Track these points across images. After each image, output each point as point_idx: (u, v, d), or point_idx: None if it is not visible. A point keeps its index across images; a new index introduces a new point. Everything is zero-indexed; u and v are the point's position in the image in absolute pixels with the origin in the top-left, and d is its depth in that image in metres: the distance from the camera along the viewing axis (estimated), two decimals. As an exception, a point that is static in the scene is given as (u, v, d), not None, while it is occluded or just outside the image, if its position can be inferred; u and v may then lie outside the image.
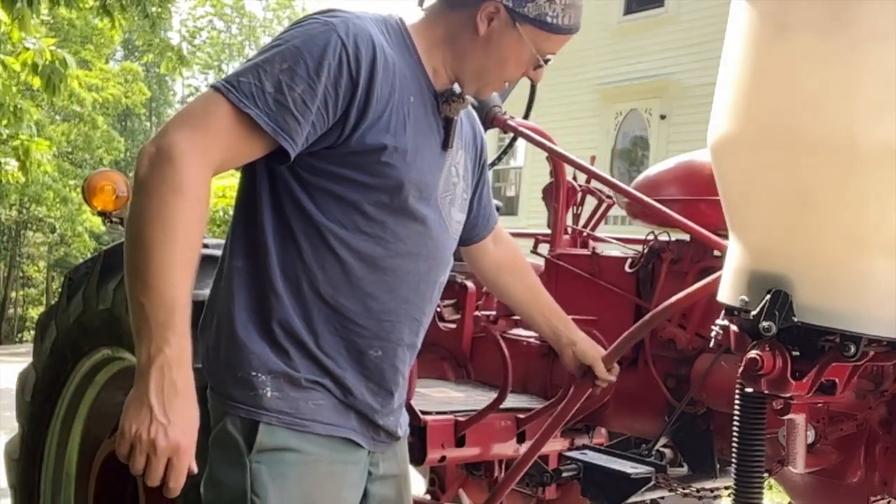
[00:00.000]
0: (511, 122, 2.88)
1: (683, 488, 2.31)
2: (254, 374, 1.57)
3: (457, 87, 1.71)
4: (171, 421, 1.36)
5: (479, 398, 2.63)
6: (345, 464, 1.64)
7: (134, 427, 1.36)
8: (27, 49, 7.31)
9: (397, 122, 1.58)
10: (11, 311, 26.89)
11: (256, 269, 1.60)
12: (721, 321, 1.80)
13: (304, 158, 1.56)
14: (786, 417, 1.77)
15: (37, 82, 7.51)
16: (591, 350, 2.13)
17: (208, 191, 1.47)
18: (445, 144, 1.71)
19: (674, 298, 2.16)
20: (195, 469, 1.40)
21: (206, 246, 2.22)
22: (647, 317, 2.20)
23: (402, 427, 1.81)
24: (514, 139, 3.09)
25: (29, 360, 2.96)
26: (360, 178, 1.57)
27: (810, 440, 1.95)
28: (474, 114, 1.94)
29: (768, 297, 1.59)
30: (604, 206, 3.11)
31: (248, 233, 1.61)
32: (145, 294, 1.38)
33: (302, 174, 1.57)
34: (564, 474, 2.38)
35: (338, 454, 1.63)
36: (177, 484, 1.39)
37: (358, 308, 1.61)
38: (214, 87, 1.49)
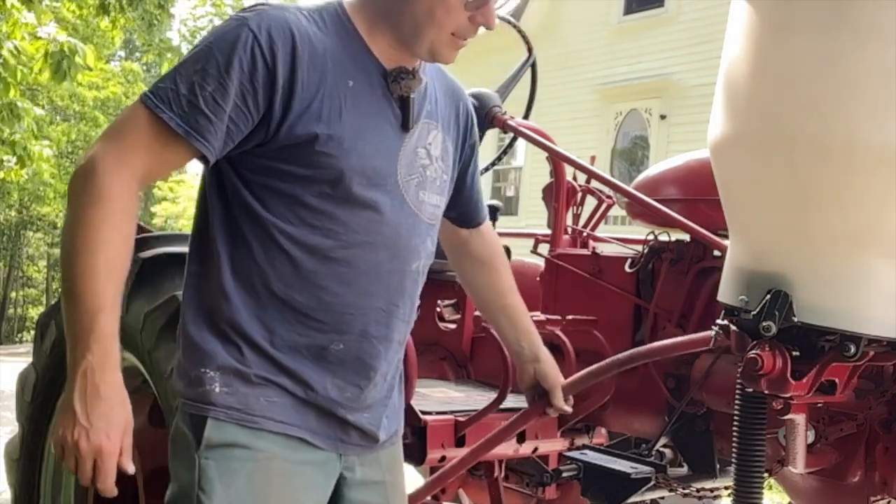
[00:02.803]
0: (511, 122, 2.89)
1: (683, 488, 2.31)
2: (203, 370, 1.56)
3: (409, 65, 1.63)
4: (93, 425, 1.39)
5: (479, 398, 2.63)
6: (302, 464, 1.60)
7: (60, 431, 1.41)
8: (39, 38, 7.36)
9: (331, 109, 1.53)
10: (11, 311, 26.90)
11: (208, 273, 1.59)
12: (721, 321, 1.80)
13: (244, 157, 1.55)
14: (786, 417, 1.77)
15: (44, 77, 7.56)
16: (552, 373, 2.03)
17: (133, 200, 1.47)
18: (405, 125, 1.64)
19: (657, 345, 2.15)
20: (130, 469, 1.43)
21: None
22: (618, 357, 2.16)
23: (386, 430, 1.73)
24: (514, 139, 3.10)
25: (29, 360, 2.96)
26: (297, 171, 1.54)
27: (810, 440, 1.95)
28: (460, 92, 1.84)
29: (768, 297, 1.59)
30: (604, 206, 3.11)
31: (201, 238, 1.61)
32: (70, 301, 1.43)
33: (244, 173, 1.56)
34: (564, 474, 2.38)
35: (293, 453, 1.59)
36: (104, 485, 1.41)
37: (313, 303, 1.58)
38: (139, 97, 1.52)
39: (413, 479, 3.74)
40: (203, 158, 1.51)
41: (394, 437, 1.78)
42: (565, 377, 2.47)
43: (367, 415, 1.67)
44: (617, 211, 3.17)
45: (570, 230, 2.99)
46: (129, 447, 1.43)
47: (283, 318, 1.57)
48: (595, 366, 2.13)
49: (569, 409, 2.06)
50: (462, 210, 1.94)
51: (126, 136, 1.48)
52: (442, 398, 2.64)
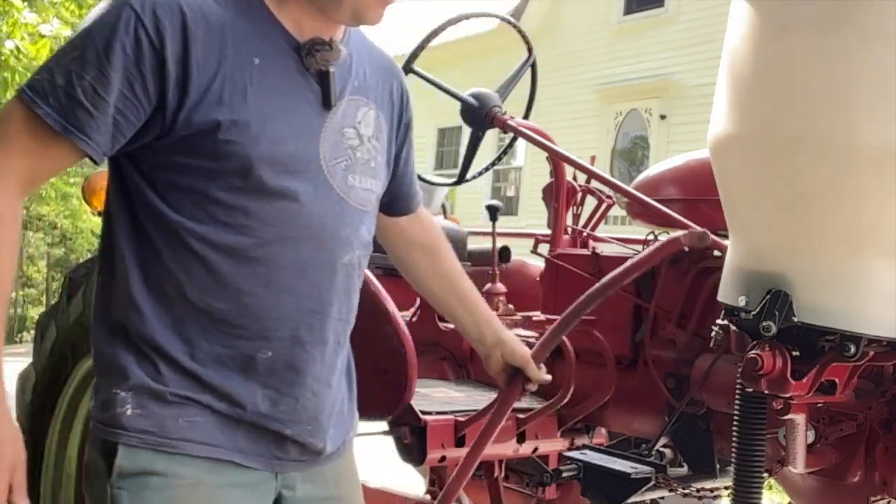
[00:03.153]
0: (511, 122, 2.89)
1: (683, 488, 2.31)
2: (115, 391, 1.41)
3: (324, 35, 1.46)
4: None
5: (479, 398, 2.63)
6: (230, 488, 1.44)
7: None
8: (43, 36, 7.34)
9: (233, 91, 1.36)
10: (11, 311, 26.90)
11: (116, 284, 1.43)
12: (721, 321, 1.80)
13: (143, 152, 1.39)
14: (786, 417, 1.77)
15: None
16: (518, 350, 1.83)
17: (11, 207, 1.36)
18: (327, 103, 1.46)
19: (622, 268, 2.00)
20: (21, 501, 1.33)
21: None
22: (573, 306, 2.01)
23: (333, 441, 1.57)
24: (513, 139, 3.10)
25: (29, 360, 2.97)
26: (202, 164, 1.37)
27: (810, 440, 1.95)
28: (394, 67, 1.67)
29: (768, 297, 1.59)
30: (604, 206, 3.11)
31: (106, 245, 1.47)
32: None
33: (146, 170, 1.40)
34: (564, 474, 2.38)
35: (219, 477, 1.43)
36: None
37: (234, 309, 1.42)
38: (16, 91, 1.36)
39: (413, 479, 3.75)
40: (90, 157, 1.36)
41: (342, 449, 1.61)
42: (566, 377, 2.48)
43: (309, 427, 1.51)
44: (617, 211, 3.17)
45: (570, 230, 2.99)
46: (20, 485, 1.34)
47: (203, 328, 1.42)
48: (559, 318, 1.99)
49: (546, 377, 1.85)
50: (397, 194, 1.73)
51: (2, 137, 1.34)
52: (442, 398, 2.64)
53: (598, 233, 3.08)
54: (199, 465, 1.41)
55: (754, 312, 1.61)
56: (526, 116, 3.07)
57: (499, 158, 3.49)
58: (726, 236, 1.84)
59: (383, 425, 2.44)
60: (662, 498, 2.47)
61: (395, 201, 1.74)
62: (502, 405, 1.94)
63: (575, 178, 3.04)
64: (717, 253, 2.43)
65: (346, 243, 1.50)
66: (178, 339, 1.41)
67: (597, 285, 1.95)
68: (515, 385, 1.87)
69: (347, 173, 1.49)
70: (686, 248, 1.97)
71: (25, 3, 7.07)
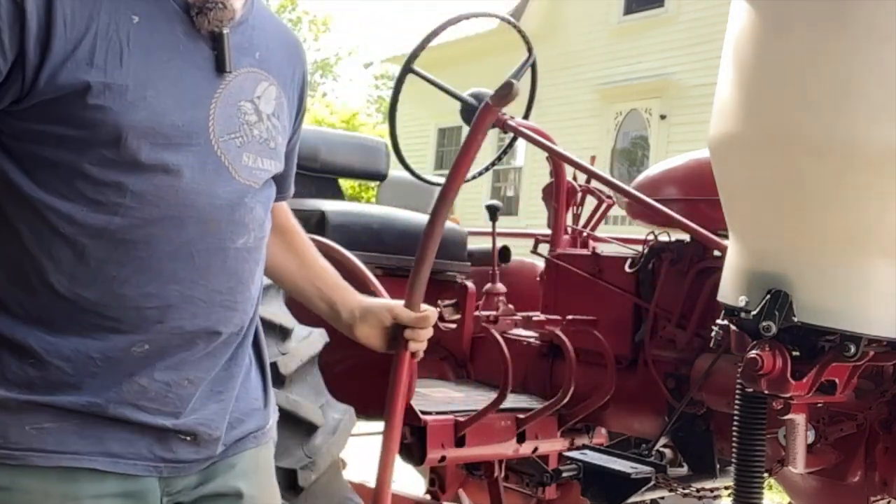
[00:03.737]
0: (511, 123, 2.88)
1: (683, 488, 2.32)
2: None
3: None
4: None
5: (479, 398, 2.63)
6: (95, 499, 1.27)
7: None
8: None
9: (107, 51, 1.20)
10: None
11: None
12: (721, 321, 1.80)
13: (3, 120, 1.22)
14: (786, 417, 1.77)
15: None
16: (378, 306, 1.60)
17: None
18: (220, 67, 1.31)
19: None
20: None
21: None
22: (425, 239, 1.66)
23: (238, 429, 1.41)
24: (514, 139, 3.10)
25: None
26: (67, 133, 1.21)
27: (810, 440, 1.95)
28: (300, 50, 1.54)
29: (768, 297, 1.59)
30: (604, 206, 3.11)
31: None
32: None
33: (5, 141, 1.23)
34: (564, 474, 2.38)
35: (79, 488, 1.26)
36: None
37: (105, 298, 1.25)
38: None
39: (413, 479, 3.75)
40: None
41: (254, 438, 1.45)
42: (565, 377, 2.48)
43: (197, 416, 1.34)
44: (617, 211, 3.17)
45: (570, 230, 3.00)
46: None
47: (70, 319, 1.25)
48: (417, 265, 1.64)
49: (429, 316, 1.59)
50: (278, 180, 1.53)
51: None
52: (442, 398, 2.64)
53: (598, 233, 3.09)
54: (49, 477, 1.24)
55: (754, 312, 1.61)
56: (526, 116, 3.08)
57: (499, 158, 3.49)
58: (726, 236, 1.84)
59: (383, 425, 2.44)
60: (662, 498, 2.47)
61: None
62: (398, 371, 1.64)
63: (575, 178, 3.04)
64: (717, 253, 2.43)
65: (240, 225, 1.35)
66: (37, 334, 1.24)
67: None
68: (399, 349, 1.62)
69: (242, 151, 1.34)
70: (499, 109, 1.78)
71: None
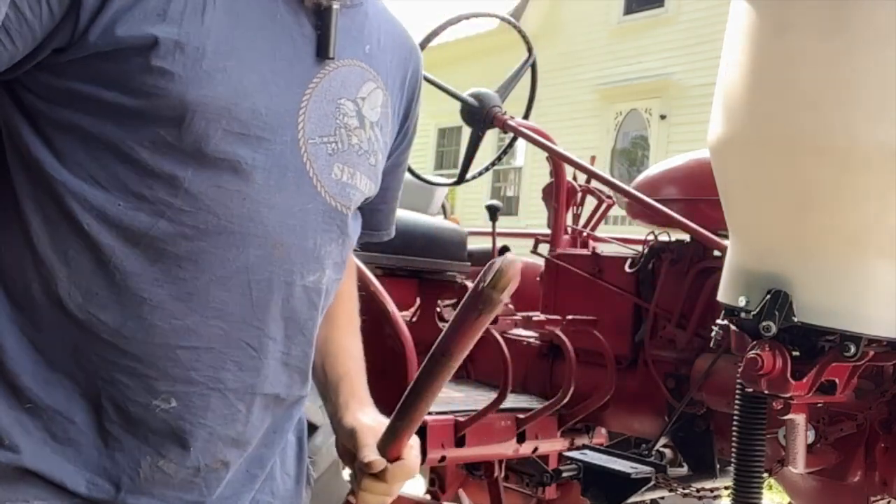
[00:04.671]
0: (511, 123, 2.89)
1: (683, 488, 2.31)
2: None
3: None
4: None
5: (479, 398, 2.63)
6: None
7: None
8: None
9: (186, 4, 0.93)
10: None
11: None
12: (721, 321, 1.80)
13: (31, 76, 0.92)
14: (786, 417, 1.77)
15: None
16: (361, 429, 1.16)
17: None
18: (322, 51, 1.02)
19: None
20: None
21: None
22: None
23: None
24: (514, 139, 3.10)
25: None
26: (118, 101, 0.91)
27: (810, 440, 1.95)
28: (415, 50, 1.26)
29: (768, 297, 1.59)
30: (604, 206, 3.12)
31: None
32: None
33: (29, 99, 0.93)
34: (564, 474, 2.38)
35: None
36: None
37: (127, 326, 0.94)
38: None
39: (413, 479, 3.75)
40: None
41: None
42: (565, 377, 2.48)
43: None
44: (617, 211, 3.17)
45: (570, 230, 3.00)
46: None
47: (75, 351, 0.94)
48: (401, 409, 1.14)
49: (384, 464, 1.10)
50: (368, 216, 1.22)
51: None
52: (442, 398, 2.63)
53: (598, 233, 3.09)
54: None
55: (754, 312, 1.60)
56: (526, 116, 3.08)
57: (499, 158, 3.49)
58: (726, 236, 1.84)
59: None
60: (662, 498, 2.47)
61: (364, 224, 1.23)
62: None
63: (575, 178, 3.04)
64: (717, 253, 2.43)
65: (313, 257, 1.04)
66: (25, 364, 0.93)
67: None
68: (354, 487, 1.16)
69: (334, 161, 1.04)
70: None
71: None
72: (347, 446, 1.16)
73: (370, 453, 1.09)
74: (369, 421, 1.16)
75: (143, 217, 0.93)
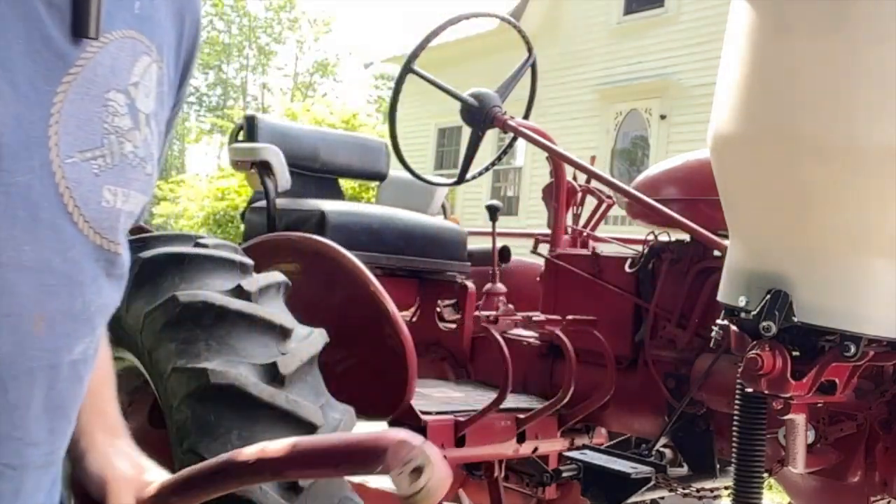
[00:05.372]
0: (511, 123, 2.89)
1: (683, 488, 2.31)
2: None
3: None
4: None
5: (479, 398, 2.63)
6: None
7: None
8: None
9: None
10: None
11: None
12: (721, 321, 1.80)
13: None
14: (786, 417, 1.77)
15: None
16: (124, 483, 0.92)
17: None
18: (82, 28, 0.69)
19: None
20: None
21: (205, 246, 2.23)
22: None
23: None
24: (514, 139, 3.10)
25: (29, 360, 2.96)
26: None
27: (810, 440, 1.95)
28: None
29: (768, 297, 1.59)
30: (604, 206, 3.12)
31: None
32: None
33: None
34: (564, 474, 2.38)
35: None
36: None
37: None
38: None
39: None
40: None
41: None
42: (565, 377, 2.48)
43: None
44: (617, 211, 3.17)
45: (570, 230, 3.00)
46: None
47: None
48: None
49: None
50: None
51: None
52: (442, 398, 2.64)
53: (598, 233, 3.09)
54: None
55: (754, 312, 1.61)
56: (526, 116, 3.08)
57: (499, 158, 3.49)
58: (726, 236, 1.84)
59: (383, 425, 2.44)
60: (662, 498, 2.47)
61: None
62: None
63: (575, 178, 3.04)
64: (717, 253, 2.43)
65: (83, 320, 0.74)
66: None
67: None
68: None
69: (102, 182, 0.73)
70: None
71: None
72: (93, 497, 0.90)
73: None
74: (125, 467, 0.91)
75: None
